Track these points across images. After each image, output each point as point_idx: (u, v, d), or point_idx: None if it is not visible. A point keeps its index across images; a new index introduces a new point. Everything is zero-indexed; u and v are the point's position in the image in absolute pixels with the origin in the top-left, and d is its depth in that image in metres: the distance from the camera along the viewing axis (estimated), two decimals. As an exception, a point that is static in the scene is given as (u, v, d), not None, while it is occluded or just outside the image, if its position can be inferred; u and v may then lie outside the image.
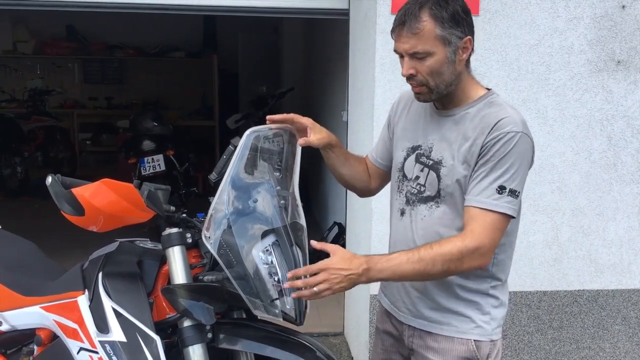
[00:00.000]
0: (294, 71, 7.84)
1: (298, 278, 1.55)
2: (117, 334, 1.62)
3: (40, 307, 1.96)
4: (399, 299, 1.84)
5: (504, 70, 3.14)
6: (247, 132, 1.68)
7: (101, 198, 1.50)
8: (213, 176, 1.72)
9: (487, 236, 1.61)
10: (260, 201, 1.69)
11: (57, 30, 9.01)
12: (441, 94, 1.68)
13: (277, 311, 1.64)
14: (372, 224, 3.12)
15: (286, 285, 1.58)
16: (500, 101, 1.73)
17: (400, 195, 1.84)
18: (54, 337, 1.94)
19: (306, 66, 7.60)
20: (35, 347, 2.01)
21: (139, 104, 8.86)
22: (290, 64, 8.03)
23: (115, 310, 1.66)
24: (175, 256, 1.73)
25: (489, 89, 1.76)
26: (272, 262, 1.68)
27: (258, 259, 1.65)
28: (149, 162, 5.27)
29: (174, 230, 1.75)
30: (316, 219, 6.22)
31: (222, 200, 1.64)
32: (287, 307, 1.67)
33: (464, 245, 1.60)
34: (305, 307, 1.72)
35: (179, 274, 1.72)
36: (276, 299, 1.65)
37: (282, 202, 1.73)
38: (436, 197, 1.73)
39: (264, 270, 1.65)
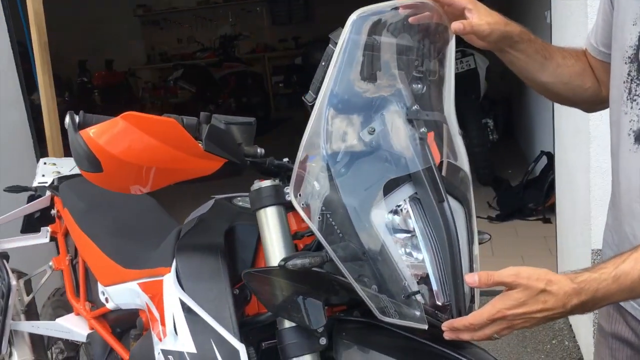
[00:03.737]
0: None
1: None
2: (184, 339, 1.11)
3: (138, 283, 1.55)
4: None
5: None
6: (353, 16, 1.01)
7: (124, 143, 0.96)
8: (309, 96, 1.08)
9: None
10: (382, 130, 1.02)
11: (245, -27, 8.94)
12: None
13: (417, 313, 0.98)
14: (591, 154, 2.25)
15: (447, 335, 0.97)
16: None
17: (632, 105, 1.05)
18: (155, 322, 1.52)
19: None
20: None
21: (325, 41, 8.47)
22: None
23: (183, 304, 1.14)
24: (269, 222, 1.15)
25: None
26: (412, 228, 1.03)
27: (382, 227, 1.00)
28: (324, 98, 4.79)
29: (267, 182, 1.16)
30: (521, 147, 5.27)
31: (318, 133, 1.01)
32: (439, 302, 1.01)
33: None
34: (472, 301, 1.05)
35: (274, 250, 1.14)
36: (416, 292, 0.99)
37: (423, 129, 1.05)
38: None
39: (392, 244, 1.00)
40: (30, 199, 2.16)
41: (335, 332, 1.13)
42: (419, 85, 1.11)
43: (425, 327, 0.98)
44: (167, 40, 9.59)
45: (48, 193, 2.09)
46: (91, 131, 0.95)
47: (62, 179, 2.11)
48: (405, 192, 1.03)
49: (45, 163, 2.19)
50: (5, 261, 1.85)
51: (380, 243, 0.99)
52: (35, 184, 2.09)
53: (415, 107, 1.06)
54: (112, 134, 0.95)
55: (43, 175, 2.08)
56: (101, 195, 1.98)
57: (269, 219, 1.15)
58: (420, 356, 1.06)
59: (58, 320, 1.81)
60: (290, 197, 1.03)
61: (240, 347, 1.08)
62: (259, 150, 1.17)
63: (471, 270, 1.06)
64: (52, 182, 2.08)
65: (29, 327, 1.88)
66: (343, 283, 1.01)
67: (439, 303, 1.01)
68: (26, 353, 1.91)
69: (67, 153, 2.88)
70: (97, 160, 0.95)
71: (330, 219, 0.99)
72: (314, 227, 1.00)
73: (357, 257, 1.00)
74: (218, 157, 1.06)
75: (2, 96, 3.04)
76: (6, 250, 1.93)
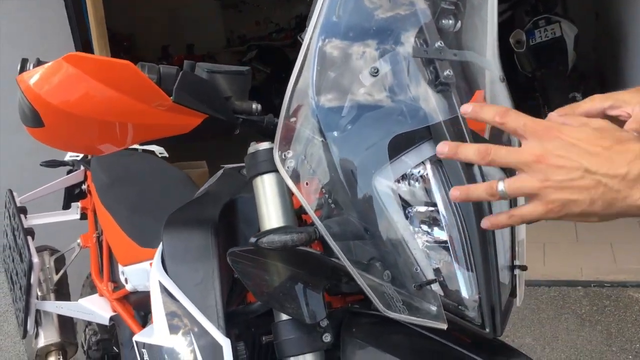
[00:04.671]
0: None
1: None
2: (160, 330, 0.93)
3: (150, 263, 1.40)
4: None
5: None
6: None
7: (69, 91, 0.78)
8: (305, 34, 0.87)
9: None
10: (389, 71, 0.79)
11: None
12: None
13: (434, 309, 0.75)
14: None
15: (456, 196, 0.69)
16: None
17: None
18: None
19: None
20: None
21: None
22: None
23: (163, 288, 0.97)
24: (266, 191, 0.94)
25: None
26: (431, 200, 0.80)
27: (388, 197, 0.77)
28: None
29: (264, 145, 0.96)
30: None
31: (306, 80, 0.79)
32: (465, 295, 0.78)
33: None
34: (513, 294, 0.81)
35: (271, 224, 0.93)
36: (432, 281, 0.76)
37: (448, 72, 0.80)
38: None
39: (402, 219, 0.77)
40: (69, 173, 2.08)
41: (344, 327, 0.92)
42: (450, 21, 0.86)
43: (444, 326, 0.75)
44: (245, 23, 9.58)
45: (82, 167, 2.00)
46: (30, 77, 0.78)
47: (95, 151, 2.00)
48: (423, 152, 0.80)
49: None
50: (30, 238, 1.76)
51: (386, 217, 0.77)
52: (67, 157, 1.99)
53: (438, 43, 0.82)
54: (55, 80, 0.78)
55: None
56: (126, 169, 1.86)
57: (267, 188, 0.95)
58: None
59: (80, 300, 1.70)
60: (276, 159, 0.83)
61: (225, 342, 0.89)
62: (254, 106, 0.97)
63: (513, 258, 0.82)
64: (85, 156, 1.98)
65: (53, 307, 1.79)
66: (345, 268, 0.79)
67: (466, 296, 0.77)
68: (53, 334, 1.82)
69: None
70: (35, 112, 0.79)
71: (322, 187, 0.78)
72: (299, 196, 0.79)
73: (357, 234, 0.78)
74: (194, 111, 0.87)
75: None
76: (32, 226, 1.84)
